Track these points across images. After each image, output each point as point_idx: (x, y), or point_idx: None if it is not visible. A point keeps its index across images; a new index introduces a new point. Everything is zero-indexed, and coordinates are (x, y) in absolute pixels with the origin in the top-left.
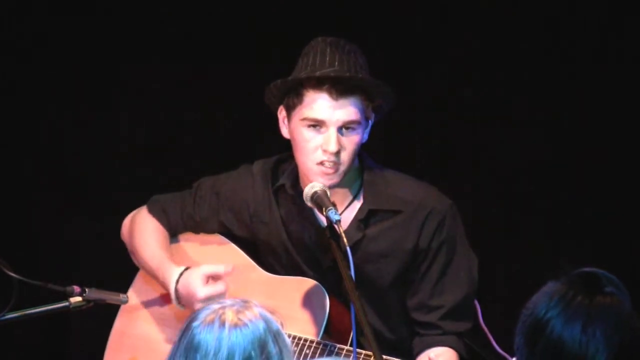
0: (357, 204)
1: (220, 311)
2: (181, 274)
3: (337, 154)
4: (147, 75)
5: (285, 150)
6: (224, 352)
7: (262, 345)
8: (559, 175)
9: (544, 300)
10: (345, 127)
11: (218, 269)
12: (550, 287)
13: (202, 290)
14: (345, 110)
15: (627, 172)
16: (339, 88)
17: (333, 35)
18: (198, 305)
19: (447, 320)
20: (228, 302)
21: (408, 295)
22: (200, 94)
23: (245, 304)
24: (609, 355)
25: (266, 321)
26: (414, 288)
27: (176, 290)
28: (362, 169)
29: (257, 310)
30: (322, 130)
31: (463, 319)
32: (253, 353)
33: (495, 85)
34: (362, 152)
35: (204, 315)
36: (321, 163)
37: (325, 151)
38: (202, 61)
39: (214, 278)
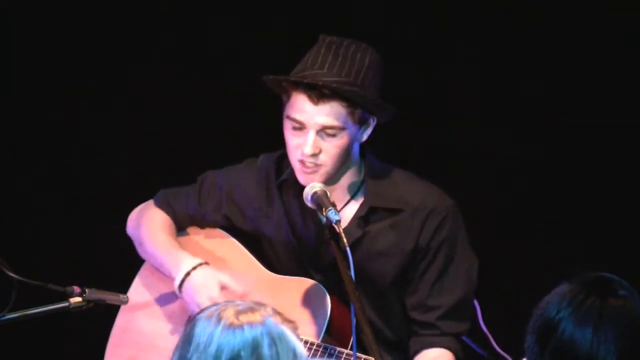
0: (358, 202)
1: (222, 308)
2: (200, 264)
3: (316, 156)
4: (148, 74)
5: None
6: (213, 347)
7: (254, 348)
8: (559, 175)
9: (555, 301)
10: (325, 131)
11: (236, 287)
12: (562, 288)
13: (217, 292)
14: (324, 114)
15: (627, 171)
16: (318, 93)
17: (344, 34)
18: (204, 301)
19: (445, 321)
20: (238, 302)
21: (407, 294)
22: (202, 92)
23: (251, 307)
24: (620, 358)
25: (267, 326)
26: (413, 287)
27: (188, 274)
28: (364, 166)
29: (262, 314)
30: (303, 131)
31: (461, 320)
32: (242, 353)
33: (495, 85)
34: (366, 149)
35: (210, 309)
36: (301, 162)
37: (302, 152)
38: (201, 61)
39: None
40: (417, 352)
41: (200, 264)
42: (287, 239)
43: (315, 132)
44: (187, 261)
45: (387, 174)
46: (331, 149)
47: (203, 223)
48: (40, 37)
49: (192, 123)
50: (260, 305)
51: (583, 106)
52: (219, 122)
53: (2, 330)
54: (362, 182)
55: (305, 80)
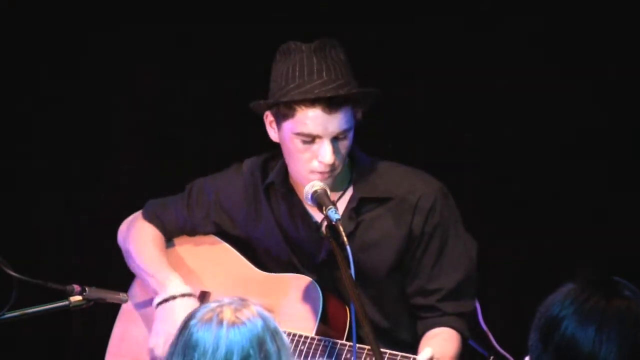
0: (348, 195)
1: (218, 309)
2: (188, 294)
3: (332, 162)
4: (148, 75)
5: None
6: (222, 350)
7: (260, 344)
8: (559, 174)
9: (559, 299)
10: (338, 137)
11: None
12: (567, 287)
13: None
14: (338, 122)
15: (627, 171)
16: (332, 104)
17: (311, 35)
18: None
19: (446, 302)
20: (226, 300)
21: (407, 282)
22: (200, 95)
23: (243, 303)
24: (623, 358)
25: (264, 319)
26: (412, 274)
27: (173, 297)
28: (352, 161)
29: (255, 308)
30: (316, 141)
31: (463, 299)
32: (251, 351)
33: (495, 84)
34: (352, 145)
35: (202, 313)
36: (316, 171)
37: (320, 162)
38: (201, 61)
39: None
40: (422, 335)
41: (189, 294)
42: (277, 241)
43: (330, 140)
44: (177, 285)
45: (373, 165)
46: (342, 150)
47: (193, 231)
48: (39, 35)
49: (192, 124)
50: (246, 299)
51: (583, 105)
52: (219, 122)
53: (2, 330)
54: (351, 177)
55: (328, 95)
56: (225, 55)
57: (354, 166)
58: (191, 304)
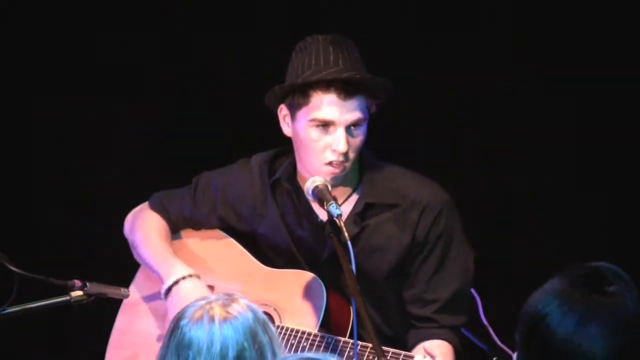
0: (355, 198)
1: (207, 307)
2: (190, 275)
3: (345, 152)
4: (148, 74)
5: (284, 145)
6: (216, 346)
7: (253, 336)
8: (559, 173)
9: (543, 297)
10: (352, 126)
11: None
12: (553, 283)
13: None
14: (353, 110)
15: (628, 170)
16: (347, 89)
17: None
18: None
19: (442, 314)
20: (213, 297)
21: (404, 288)
22: (200, 93)
23: (230, 297)
24: (610, 357)
25: (253, 312)
26: (410, 281)
27: (176, 282)
28: (362, 163)
29: (243, 301)
30: (330, 130)
31: (458, 313)
32: (246, 344)
33: (495, 83)
34: (363, 146)
35: (191, 312)
36: (329, 163)
37: (334, 151)
38: (201, 60)
39: None
40: (415, 344)
41: (191, 275)
42: (282, 238)
43: (344, 129)
44: (179, 269)
45: (383, 169)
46: (356, 142)
47: (198, 225)
48: (40, 35)
49: (192, 122)
50: (231, 294)
51: (584, 104)
52: (220, 120)
53: (3, 325)
54: (360, 178)
55: (343, 77)
56: (225, 54)
57: (362, 167)
58: (196, 283)
